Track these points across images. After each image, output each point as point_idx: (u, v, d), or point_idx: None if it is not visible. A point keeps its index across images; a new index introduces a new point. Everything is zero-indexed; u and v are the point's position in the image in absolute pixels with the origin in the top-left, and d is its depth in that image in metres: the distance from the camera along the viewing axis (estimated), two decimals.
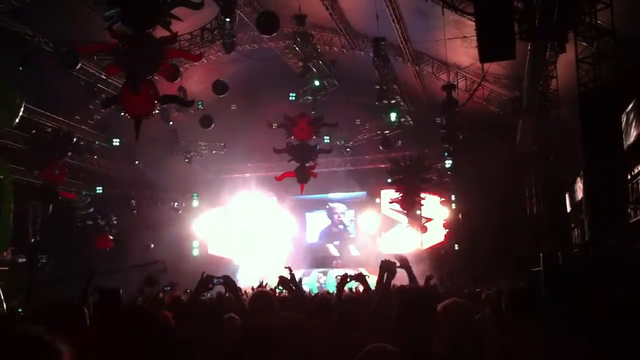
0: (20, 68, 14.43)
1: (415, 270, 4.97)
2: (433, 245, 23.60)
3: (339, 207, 27.94)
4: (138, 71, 7.18)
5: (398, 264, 4.77)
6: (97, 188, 22.29)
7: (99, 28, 8.33)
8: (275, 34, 16.49)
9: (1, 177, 5.09)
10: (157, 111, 8.12)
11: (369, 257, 24.58)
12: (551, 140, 15.33)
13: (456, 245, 22.70)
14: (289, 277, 5.66)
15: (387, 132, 22.99)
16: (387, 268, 4.68)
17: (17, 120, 5.28)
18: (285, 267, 5.89)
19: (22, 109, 5.28)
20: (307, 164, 17.30)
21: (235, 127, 23.24)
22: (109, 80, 17.86)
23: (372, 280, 5.90)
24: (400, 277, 4.77)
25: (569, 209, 15.13)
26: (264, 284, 12.09)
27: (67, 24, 15.35)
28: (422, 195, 20.63)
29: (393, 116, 20.64)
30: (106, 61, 9.43)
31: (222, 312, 6.11)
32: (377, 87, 18.82)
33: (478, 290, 11.31)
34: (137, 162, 22.88)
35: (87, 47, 10.38)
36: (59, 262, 21.76)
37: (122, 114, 7.88)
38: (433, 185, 22.13)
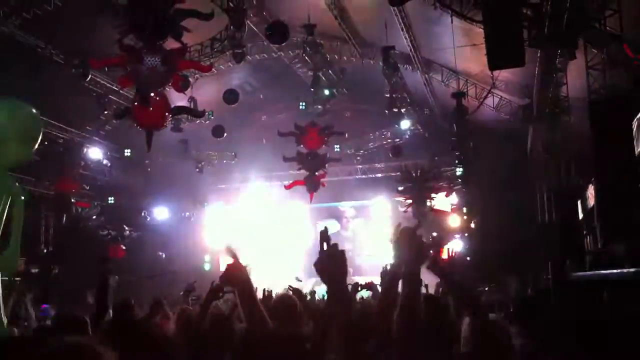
0: (33, 81, 14.54)
1: (427, 277, 5.02)
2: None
3: (349, 212, 27.87)
4: (149, 84, 7.25)
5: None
6: (109, 198, 22.40)
7: (111, 39, 8.42)
8: (284, 43, 16.58)
9: (11, 198, 5.20)
10: (168, 123, 8.16)
11: (378, 265, 24.51)
12: (562, 147, 15.27)
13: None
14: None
15: (397, 140, 23.00)
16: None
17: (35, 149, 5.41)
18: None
19: (40, 137, 5.41)
20: (316, 173, 17.35)
21: (245, 136, 23.35)
22: (120, 91, 17.99)
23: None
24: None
25: (580, 216, 15.04)
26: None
27: (79, 36, 15.49)
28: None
29: (403, 124, 20.66)
30: (117, 72, 9.53)
31: (233, 322, 6.12)
32: (387, 95, 18.86)
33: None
34: (149, 169, 22.99)
35: (98, 60, 10.47)
36: (71, 272, 21.87)
37: (135, 126, 7.95)
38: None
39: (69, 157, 19.25)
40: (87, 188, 21.08)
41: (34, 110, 5.31)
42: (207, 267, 26.05)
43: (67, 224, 19.73)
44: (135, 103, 7.59)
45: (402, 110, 19.82)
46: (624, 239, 9.15)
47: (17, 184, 5.47)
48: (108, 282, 5.81)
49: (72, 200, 19.48)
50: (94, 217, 21.98)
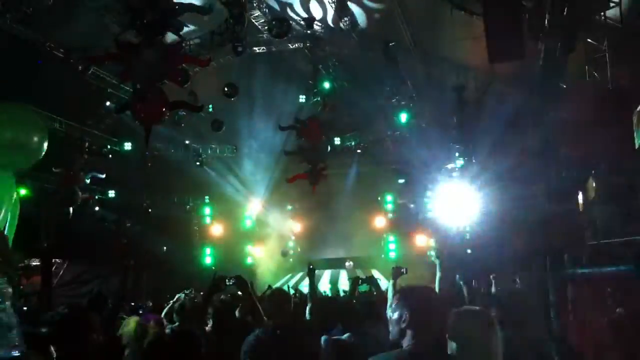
0: (33, 75, 14.56)
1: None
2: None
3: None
4: (147, 79, 7.27)
5: (405, 271, 5.08)
6: (110, 192, 22.39)
7: (110, 33, 8.44)
8: (286, 37, 16.58)
9: (8, 195, 5.17)
10: (166, 117, 8.15)
11: (379, 258, 24.63)
12: (563, 140, 15.25)
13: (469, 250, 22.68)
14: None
15: (398, 133, 22.96)
16: (397, 274, 5.05)
17: (37, 160, 5.38)
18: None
19: (44, 149, 5.37)
20: (318, 166, 17.35)
21: (246, 129, 23.36)
22: (121, 85, 17.98)
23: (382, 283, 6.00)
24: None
25: (581, 209, 15.04)
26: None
27: (79, 30, 15.48)
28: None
29: (403, 117, 20.64)
30: (118, 66, 9.53)
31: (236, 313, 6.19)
32: (387, 88, 18.85)
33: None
34: (149, 165, 22.99)
35: (98, 56, 10.48)
36: (73, 265, 21.95)
37: (135, 121, 7.97)
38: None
39: (71, 150, 19.26)
40: (88, 182, 21.06)
41: (35, 115, 5.34)
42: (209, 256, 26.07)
43: (73, 217, 19.79)
44: (134, 98, 7.61)
45: (402, 103, 19.81)
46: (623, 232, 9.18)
47: (9, 176, 5.44)
48: (127, 275, 6.01)
49: (79, 193, 19.51)
50: (97, 208, 22.04)
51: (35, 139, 5.39)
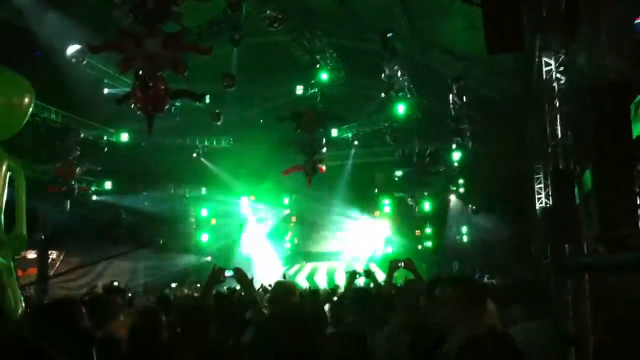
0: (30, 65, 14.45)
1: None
2: None
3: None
4: (149, 68, 7.23)
5: (402, 265, 5.12)
6: (106, 183, 22.32)
7: (109, 23, 8.38)
8: (282, 26, 16.50)
9: (11, 172, 4.94)
10: (167, 106, 8.13)
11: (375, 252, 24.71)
12: (560, 131, 15.26)
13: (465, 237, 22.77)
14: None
15: (395, 124, 22.90)
16: (394, 267, 5.14)
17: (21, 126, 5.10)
18: None
19: (29, 112, 5.10)
20: (314, 158, 17.33)
21: (243, 120, 23.32)
22: (118, 76, 17.87)
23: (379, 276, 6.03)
24: None
25: (578, 201, 15.06)
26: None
27: (77, 20, 15.39)
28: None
29: (401, 108, 20.59)
30: (115, 56, 9.47)
31: (237, 306, 6.19)
32: (385, 79, 18.80)
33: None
34: (146, 154, 22.95)
35: (97, 45, 10.40)
36: (69, 257, 21.90)
37: (137, 111, 7.90)
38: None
39: (67, 141, 19.20)
40: (79, 172, 20.99)
41: (20, 78, 5.07)
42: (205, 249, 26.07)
43: (69, 209, 19.78)
44: (136, 88, 7.57)
45: (400, 94, 19.76)
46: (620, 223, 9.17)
47: (18, 161, 5.17)
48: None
49: (76, 185, 19.49)
50: (94, 197, 22.02)
51: (26, 100, 5.10)
